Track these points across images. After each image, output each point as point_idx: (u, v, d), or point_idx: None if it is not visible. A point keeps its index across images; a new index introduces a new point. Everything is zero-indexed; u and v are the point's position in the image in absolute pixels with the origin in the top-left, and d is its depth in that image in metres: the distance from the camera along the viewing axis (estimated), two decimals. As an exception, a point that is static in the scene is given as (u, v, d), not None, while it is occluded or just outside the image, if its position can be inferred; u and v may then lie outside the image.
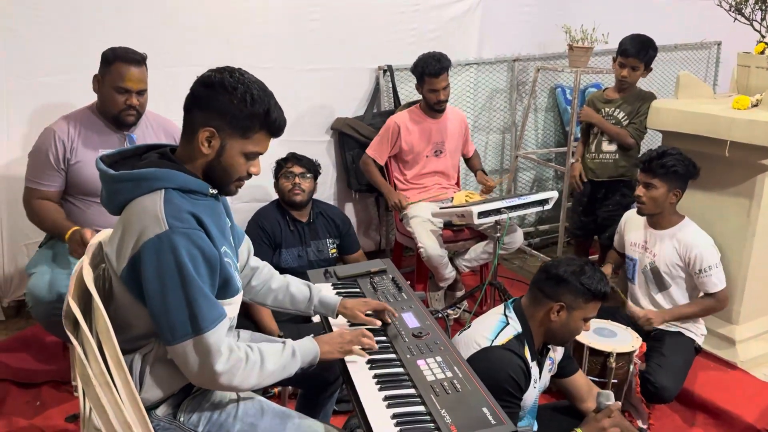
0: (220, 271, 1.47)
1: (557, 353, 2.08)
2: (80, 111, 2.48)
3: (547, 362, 2.01)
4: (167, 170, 1.46)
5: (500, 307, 1.99)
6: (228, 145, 1.49)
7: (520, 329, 1.88)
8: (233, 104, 1.45)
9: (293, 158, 2.92)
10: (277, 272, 1.92)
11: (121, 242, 1.44)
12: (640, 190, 2.59)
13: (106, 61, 2.39)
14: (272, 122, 1.49)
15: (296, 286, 1.89)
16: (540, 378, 1.96)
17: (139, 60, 2.40)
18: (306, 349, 1.58)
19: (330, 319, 1.90)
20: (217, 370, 1.40)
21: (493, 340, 1.83)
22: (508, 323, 1.89)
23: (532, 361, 1.88)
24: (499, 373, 1.74)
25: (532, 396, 1.89)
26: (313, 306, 1.88)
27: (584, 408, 2.06)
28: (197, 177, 1.51)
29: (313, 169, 2.93)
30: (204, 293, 1.40)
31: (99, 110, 2.45)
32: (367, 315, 1.84)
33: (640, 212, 2.66)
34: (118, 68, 2.36)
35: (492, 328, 1.88)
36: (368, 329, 1.80)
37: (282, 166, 2.92)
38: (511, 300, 2.00)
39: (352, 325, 1.85)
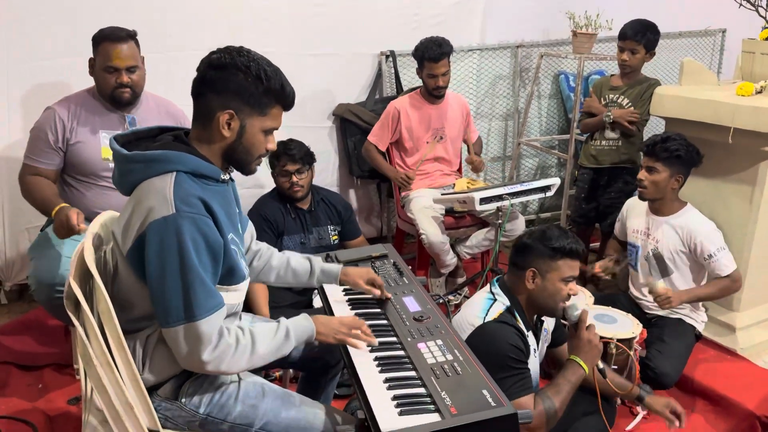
0: (225, 258, 1.47)
1: (550, 324, 2.10)
2: (80, 93, 2.49)
3: (543, 333, 2.04)
4: (180, 153, 1.46)
5: (486, 287, 2.01)
6: (248, 124, 1.49)
7: (508, 303, 1.90)
8: (249, 83, 1.46)
9: (285, 155, 2.79)
10: (276, 250, 1.94)
11: (129, 221, 1.45)
12: (642, 174, 2.59)
13: (94, 43, 2.40)
14: (287, 96, 1.52)
15: (296, 260, 1.92)
16: (538, 347, 1.98)
17: (126, 36, 2.38)
18: (301, 329, 1.57)
19: (331, 303, 1.89)
20: (203, 359, 1.41)
21: (484, 318, 1.85)
22: (495, 299, 1.91)
23: (528, 330, 1.90)
24: (498, 346, 1.75)
25: (534, 366, 1.91)
26: (316, 276, 1.90)
27: None
28: (210, 162, 1.51)
29: (307, 160, 2.85)
30: (202, 280, 1.40)
31: (97, 92, 2.45)
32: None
33: (641, 197, 2.65)
34: (105, 48, 2.36)
35: (481, 306, 1.89)
36: (370, 313, 1.80)
37: (275, 165, 2.83)
38: (495, 278, 2.01)
39: (352, 307, 1.85)
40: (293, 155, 2.79)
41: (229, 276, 1.52)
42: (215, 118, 1.47)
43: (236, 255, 1.53)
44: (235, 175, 1.62)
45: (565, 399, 1.77)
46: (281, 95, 1.50)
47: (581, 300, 2.64)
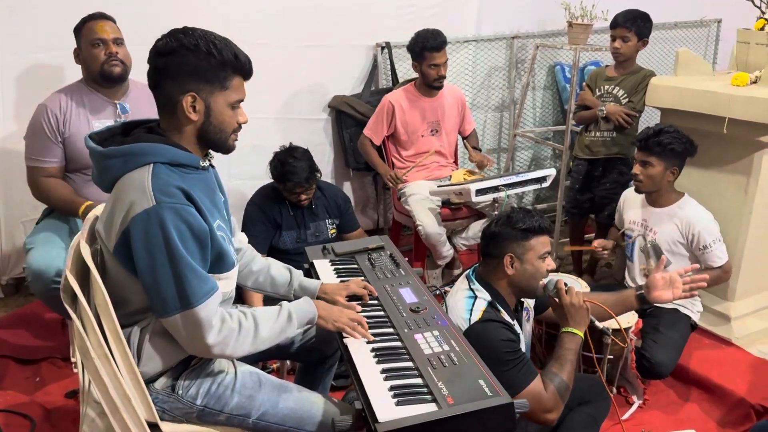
0: (212, 245, 1.47)
1: (530, 302, 2.12)
2: (72, 84, 2.49)
3: (524, 314, 2.05)
4: (156, 144, 1.45)
5: (464, 282, 1.98)
6: (212, 102, 1.47)
7: (489, 297, 1.89)
8: (202, 60, 1.43)
9: (292, 182, 2.68)
10: (258, 254, 1.93)
11: (111, 218, 1.44)
12: (636, 168, 2.59)
13: (77, 31, 2.43)
14: (243, 64, 1.49)
15: (277, 269, 1.90)
16: (522, 330, 1.99)
17: (108, 17, 2.44)
18: (303, 312, 1.60)
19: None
20: (208, 342, 1.43)
21: (469, 319, 1.83)
22: (476, 296, 1.89)
23: (512, 320, 1.91)
24: (491, 345, 1.75)
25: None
26: (293, 290, 1.88)
27: None
28: (187, 150, 1.50)
29: (314, 178, 2.76)
30: (192, 268, 1.40)
31: (87, 79, 2.46)
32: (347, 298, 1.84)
33: (637, 190, 2.66)
34: (89, 26, 2.41)
35: (464, 307, 1.87)
36: (367, 305, 1.81)
37: (279, 187, 2.75)
38: (471, 270, 2.01)
39: (349, 299, 1.86)
40: (300, 182, 2.68)
41: (218, 263, 1.52)
42: (178, 104, 1.45)
43: (224, 241, 1.53)
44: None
45: (571, 369, 1.80)
46: (237, 65, 1.47)
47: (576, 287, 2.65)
